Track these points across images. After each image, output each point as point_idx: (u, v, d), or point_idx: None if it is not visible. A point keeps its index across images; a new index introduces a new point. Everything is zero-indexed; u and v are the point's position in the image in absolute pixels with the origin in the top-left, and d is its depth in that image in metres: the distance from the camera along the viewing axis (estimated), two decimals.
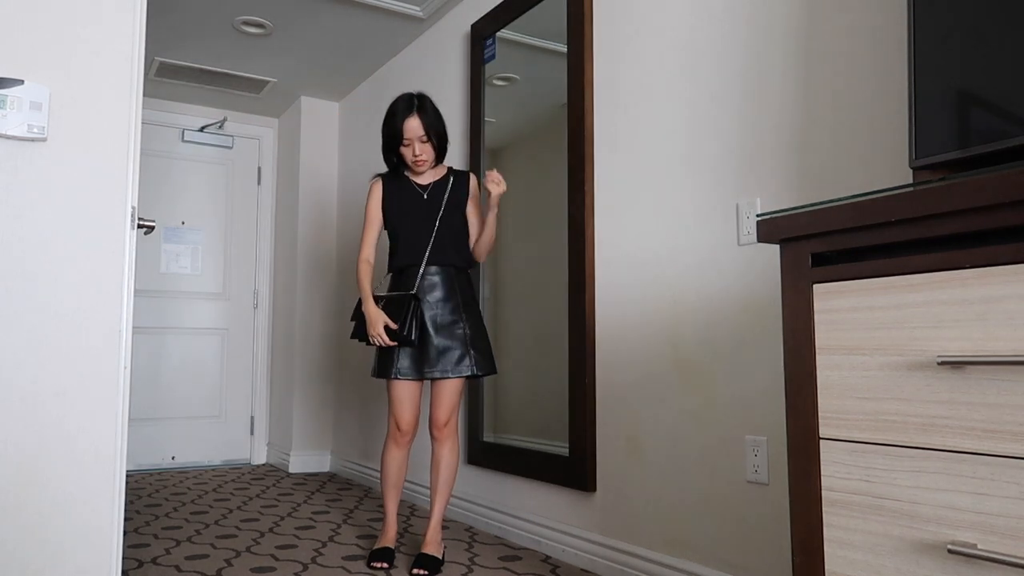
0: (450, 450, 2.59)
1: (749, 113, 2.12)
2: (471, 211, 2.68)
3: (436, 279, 2.56)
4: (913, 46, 1.31)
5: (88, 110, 1.76)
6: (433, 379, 2.55)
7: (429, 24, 3.83)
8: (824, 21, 1.93)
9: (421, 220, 2.59)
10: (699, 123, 2.27)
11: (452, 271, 2.58)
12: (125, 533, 3.03)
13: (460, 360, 2.52)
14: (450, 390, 2.56)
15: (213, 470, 4.70)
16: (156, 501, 3.70)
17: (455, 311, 2.55)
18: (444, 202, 2.60)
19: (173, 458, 4.77)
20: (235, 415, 4.98)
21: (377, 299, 2.57)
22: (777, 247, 2.02)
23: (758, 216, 1.29)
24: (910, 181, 1.59)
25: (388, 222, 2.66)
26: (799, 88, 1.99)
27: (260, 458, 5.02)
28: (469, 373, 2.52)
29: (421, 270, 2.54)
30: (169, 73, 4.41)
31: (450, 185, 2.64)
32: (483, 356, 2.56)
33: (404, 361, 2.53)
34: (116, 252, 1.77)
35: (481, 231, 2.63)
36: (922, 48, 1.30)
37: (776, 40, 2.06)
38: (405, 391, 2.56)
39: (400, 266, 2.60)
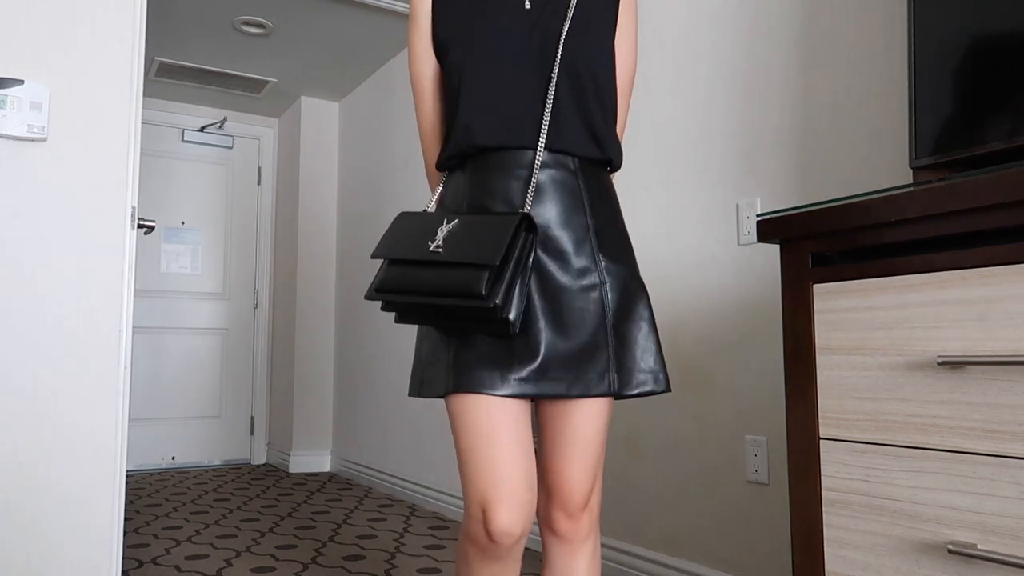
0: (591, 560, 1.27)
1: (749, 113, 2.12)
2: (624, 30, 1.36)
3: (551, 183, 1.23)
4: (913, 46, 1.31)
5: (88, 110, 1.76)
6: (550, 397, 1.19)
7: None
8: (824, 21, 1.93)
9: (518, 47, 1.25)
10: (699, 123, 2.27)
11: (582, 168, 1.26)
12: (125, 533, 3.03)
13: (598, 358, 1.19)
14: (588, 425, 1.22)
15: (213, 470, 4.70)
16: (156, 501, 3.70)
17: (588, 254, 1.23)
18: (572, 6, 1.27)
19: (173, 458, 4.77)
20: (235, 415, 4.98)
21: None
22: (777, 247, 2.02)
23: (758, 216, 1.29)
24: (910, 181, 1.59)
25: (442, 47, 1.31)
26: (799, 88, 1.99)
27: (260, 458, 5.02)
28: (612, 390, 1.19)
29: (537, 160, 1.21)
30: (169, 73, 4.41)
31: None
32: (639, 353, 1.23)
33: (481, 360, 1.17)
34: (116, 252, 1.77)
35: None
36: (922, 48, 1.30)
37: (776, 40, 2.06)
38: (500, 422, 1.16)
39: (471, 149, 1.25)
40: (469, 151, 1.25)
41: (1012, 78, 1.17)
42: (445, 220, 1.16)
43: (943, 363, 1.01)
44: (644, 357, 1.22)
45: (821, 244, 1.19)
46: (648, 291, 1.43)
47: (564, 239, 1.21)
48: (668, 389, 1.24)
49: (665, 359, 2.32)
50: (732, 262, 2.14)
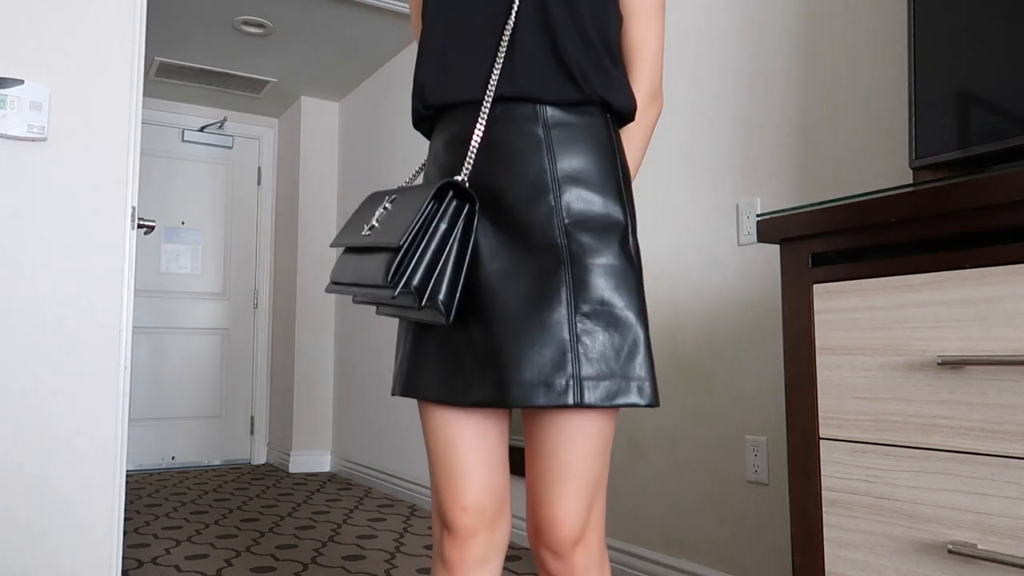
0: None
1: (749, 113, 2.12)
2: None
3: (506, 141, 1.02)
4: (913, 46, 1.31)
5: (88, 110, 1.76)
6: (506, 406, 0.97)
7: None
8: (824, 21, 1.93)
9: None
10: (699, 123, 2.27)
11: (551, 118, 1.02)
12: (125, 533, 3.03)
13: (560, 358, 0.95)
14: (568, 447, 1.00)
15: (213, 470, 4.70)
16: (156, 501, 3.70)
17: (553, 228, 0.99)
18: None
19: (173, 458, 4.77)
20: (235, 415, 4.98)
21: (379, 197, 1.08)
22: (777, 247, 2.02)
23: (758, 216, 1.29)
24: (910, 181, 1.59)
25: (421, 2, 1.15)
26: (799, 88, 1.99)
27: (260, 458, 5.02)
28: (577, 399, 0.94)
29: (482, 112, 1.01)
30: (169, 73, 4.41)
31: None
32: (626, 357, 0.97)
33: (429, 358, 1.04)
34: (116, 252, 1.77)
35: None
36: (922, 48, 1.30)
37: (776, 40, 2.06)
38: (461, 428, 1.04)
39: (427, 111, 1.10)
40: (426, 113, 1.08)
41: (1012, 78, 1.17)
42: (387, 197, 1.01)
43: (943, 363, 1.01)
44: (625, 359, 0.96)
45: (821, 244, 1.19)
46: (643, 281, 1.15)
47: (523, 209, 0.98)
48: (655, 403, 0.97)
49: (664, 361, 2.32)
50: (732, 262, 2.14)
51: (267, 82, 4.56)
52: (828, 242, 1.18)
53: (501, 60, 1.00)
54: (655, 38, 1.12)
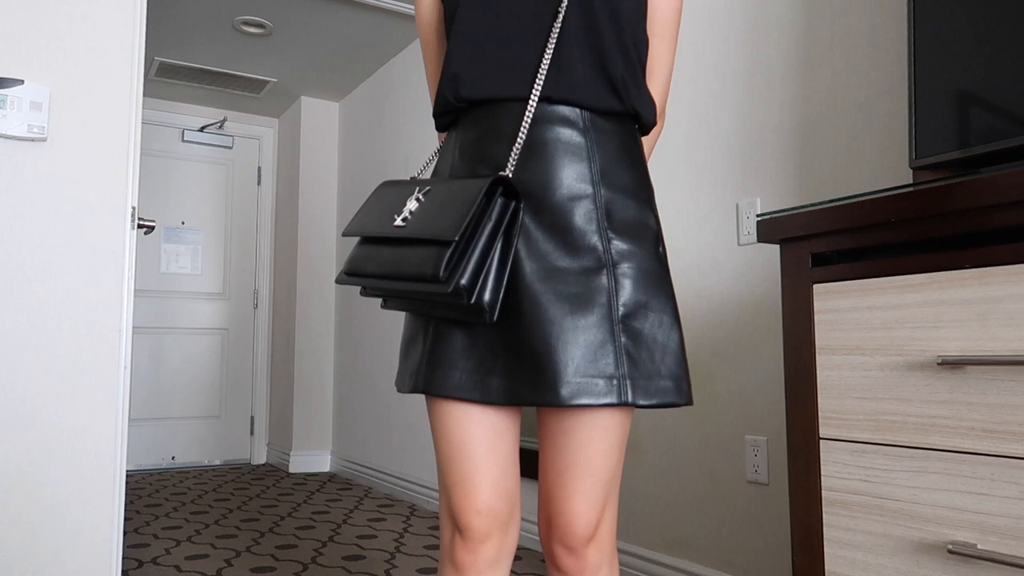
0: None
1: (749, 113, 2.12)
2: None
3: (550, 141, 1.02)
4: (913, 46, 1.31)
5: (88, 110, 1.76)
6: (544, 405, 0.96)
7: None
8: (824, 21, 1.93)
9: None
10: (699, 123, 2.27)
11: (593, 124, 1.04)
12: (125, 533, 3.03)
13: (602, 358, 0.96)
14: (594, 445, 1.02)
15: (213, 470, 4.70)
16: (156, 501, 3.70)
17: (594, 231, 1.00)
18: None
19: (173, 458, 4.77)
20: (235, 415, 4.98)
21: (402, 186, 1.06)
22: (777, 247, 2.02)
23: (758, 216, 1.29)
24: (910, 181, 1.59)
25: None
26: (799, 88, 1.99)
27: (260, 458, 5.02)
28: (623, 398, 0.95)
29: (528, 111, 1.01)
30: (169, 73, 4.41)
31: None
32: (659, 355, 1.00)
33: (457, 356, 1.01)
34: (116, 252, 1.78)
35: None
36: (922, 48, 1.30)
37: (776, 40, 2.06)
38: (476, 430, 1.02)
39: (460, 103, 1.07)
40: (458, 106, 1.06)
41: (1012, 78, 1.17)
42: (418, 188, 0.99)
43: (943, 363, 1.01)
44: (664, 359, 0.98)
45: (821, 244, 1.19)
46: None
47: (563, 210, 0.99)
48: (690, 401, 1.00)
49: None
50: (732, 262, 2.14)
51: (267, 82, 4.57)
52: (828, 242, 1.18)
53: (548, 61, 1.00)
54: (670, 59, 1.17)
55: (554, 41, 1.01)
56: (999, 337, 0.98)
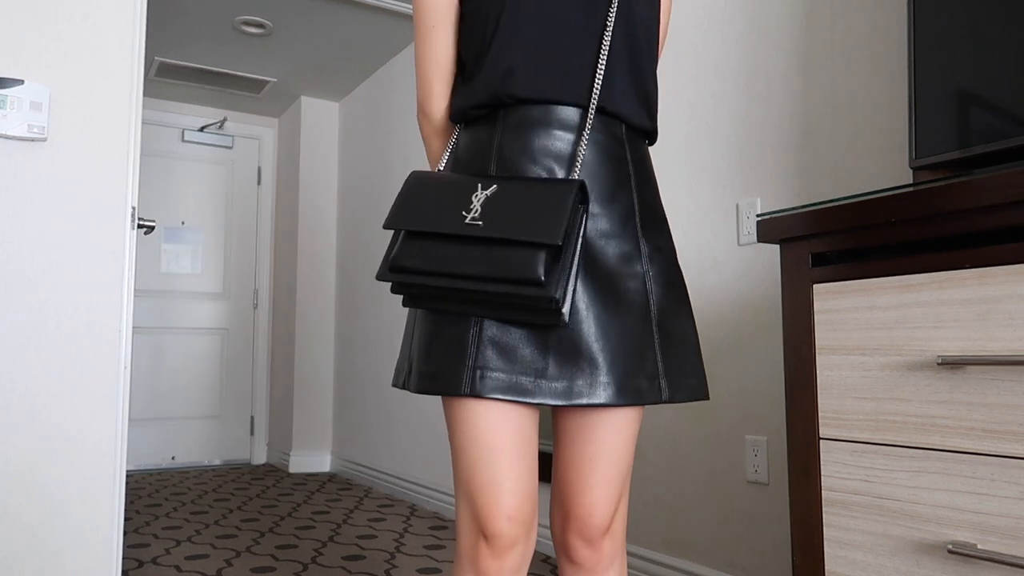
0: None
1: (749, 113, 2.12)
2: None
3: (598, 151, 1.05)
4: (913, 46, 1.31)
5: (88, 110, 1.76)
6: (598, 406, 1.01)
7: None
8: (824, 22, 1.93)
9: None
10: (699, 123, 2.27)
11: (628, 137, 1.08)
12: (125, 533, 3.03)
13: (646, 358, 1.00)
14: (619, 438, 1.06)
15: (213, 470, 4.70)
16: (156, 501, 3.70)
17: (632, 237, 1.05)
18: None
19: (173, 458, 4.77)
20: (235, 415, 4.98)
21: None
22: (777, 247, 2.02)
23: (758, 216, 1.29)
24: (910, 181, 1.59)
25: None
26: (799, 88, 1.99)
27: (260, 458, 5.02)
28: (664, 397, 1.01)
29: (588, 120, 1.02)
30: (169, 73, 4.41)
31: None
32: (686, 354, 1.05)
33: (508, 356, 0.98)
34: (116, 252, 1.78)
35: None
36: (922, 48, 1.30)
37: (776, 40, 2.06)
38: (500, 431, 1.00)
39: (509, 99, 1.04)
40: (506, 102, 1.03)
41: (1012, 78, 1.17)
42: (479, 185, 0.95)
43: (943, 363, 1.01)
44: (689, 356, 1.04)
45: (821, 244, 1.19)
46: None
47: (609, 217, 1.02)
48: (708, 395, 1.03)
49: None
50: (732, 262, 2.14)
51: (267, 82, 4.56)
52: (828, 242, 1.18)
53: (602, 72, 1.02)
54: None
55: (606, 54, 1.02)
56: (999, 337, 0.98)
